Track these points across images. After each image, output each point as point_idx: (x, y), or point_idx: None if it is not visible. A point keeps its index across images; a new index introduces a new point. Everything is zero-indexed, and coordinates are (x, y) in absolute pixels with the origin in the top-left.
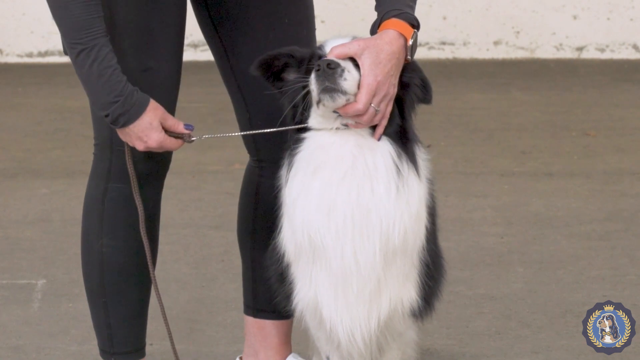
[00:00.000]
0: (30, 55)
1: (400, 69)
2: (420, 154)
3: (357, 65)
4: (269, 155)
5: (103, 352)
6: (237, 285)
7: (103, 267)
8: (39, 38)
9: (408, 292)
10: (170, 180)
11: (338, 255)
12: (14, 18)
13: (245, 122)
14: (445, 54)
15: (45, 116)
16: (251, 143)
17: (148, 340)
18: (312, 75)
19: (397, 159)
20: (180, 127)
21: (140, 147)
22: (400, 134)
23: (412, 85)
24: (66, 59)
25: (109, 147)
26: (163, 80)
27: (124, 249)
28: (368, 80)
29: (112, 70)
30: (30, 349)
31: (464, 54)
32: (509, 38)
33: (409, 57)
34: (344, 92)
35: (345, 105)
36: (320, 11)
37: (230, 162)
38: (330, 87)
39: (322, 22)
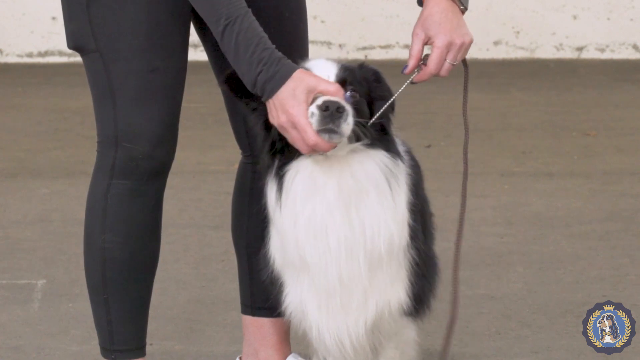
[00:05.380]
0: (30, 55)
1: (461, 17)
2: (400, 150)
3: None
4: None
5: (104, 349)
6: (237, 285)
7: (105, 263)
8: (39, 38)
9: (396, 293)
10: (170, 180)
11: (322, 275)
12: (14, 18)
13: (239, 118)
14: None
15: (45, 116)
16: (244, 137)
17: (148, 340)
18: (315, 112)
19: (386, 170)
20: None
21: (282, 120)
22: (382, 140)
23: (370, 82)
24: (66, 59)
25: (114, 144)
26: (170, 81)
27: (126, 245)
28: (438, 43)
29: (257, 39)
30: (30, 349)
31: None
32: (509, 38)
33: (462, 7)
34: (342, 135)
35: (418, 74)
36: (320, 11)
37: (231, 162)
38: (332, 129)
39: (322, 22)
